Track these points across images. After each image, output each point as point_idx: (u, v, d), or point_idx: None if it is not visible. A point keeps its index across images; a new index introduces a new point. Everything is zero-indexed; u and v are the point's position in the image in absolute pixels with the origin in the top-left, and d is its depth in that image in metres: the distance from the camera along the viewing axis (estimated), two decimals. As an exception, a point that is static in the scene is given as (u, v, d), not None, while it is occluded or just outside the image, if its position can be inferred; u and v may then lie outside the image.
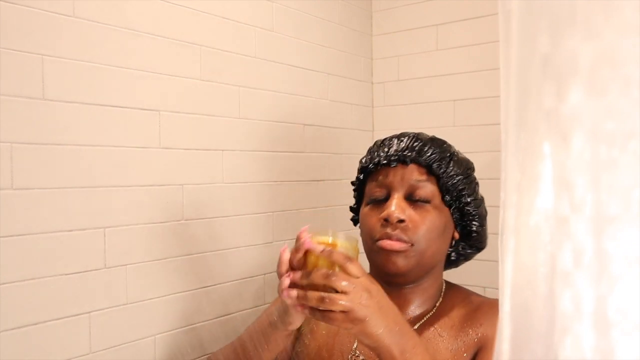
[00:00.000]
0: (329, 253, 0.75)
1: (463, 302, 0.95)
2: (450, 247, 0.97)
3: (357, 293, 0.72)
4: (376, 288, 0.76)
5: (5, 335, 0.90)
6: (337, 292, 0.72)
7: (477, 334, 0.89)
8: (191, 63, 1.19)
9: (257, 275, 1.35)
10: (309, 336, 0.99)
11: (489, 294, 1.47)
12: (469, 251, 0.99)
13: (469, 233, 0.96)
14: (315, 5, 1.53)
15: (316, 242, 0.77)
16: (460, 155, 0.97)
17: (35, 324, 0.93)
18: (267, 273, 1.38)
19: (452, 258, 1.00)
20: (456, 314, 0.93)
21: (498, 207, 0.47)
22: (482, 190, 1.01)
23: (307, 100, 1.51)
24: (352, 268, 0.74)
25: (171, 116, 1.15)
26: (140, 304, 1.09)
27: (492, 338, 0.85)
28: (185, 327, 1.18)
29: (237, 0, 1.29)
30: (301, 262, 0.77)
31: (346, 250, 0.77)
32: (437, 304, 0.95)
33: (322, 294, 0.72)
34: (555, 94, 0.42)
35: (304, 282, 0.74)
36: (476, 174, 1.01)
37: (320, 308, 0.72)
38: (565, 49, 0.42)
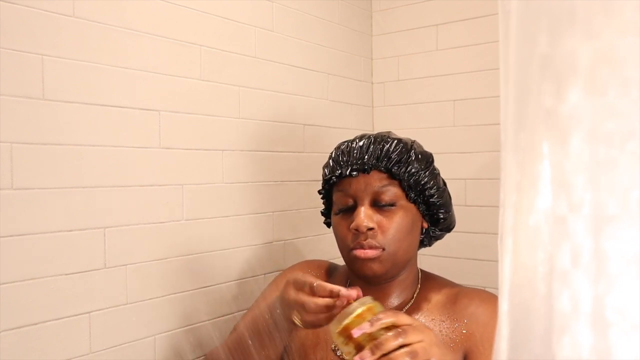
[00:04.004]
0: (390, 321, 0.71)
1: (440, 293, 0.98)
2: (422, 234, 1.01)
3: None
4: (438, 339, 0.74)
5: (5, 335, 0.90)
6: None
7: (462, 330, 0.91)
8: (191, 63, 1.19)
9: (257, 275, 1.35)
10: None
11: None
12: (439, 233, 1.03)
13: (437, 220, 1.00)
14: (315, 5, 1.53)
15: (358, 318, 0.72)
16: (418, 150, 0.98)
17: (35, 324, 0.94)
18: (267, 273, 1.38)
19: (425, 243, 1.04)
20: (434, 305, 0.96)
21: (498, 207, 0.47)
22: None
23: (307, 100, 1.51)
24: (417, 325, 0.72)
25: (171, 116, 1.15)
26: (140, 304, 1.09)
27: (481, 339, 0.89)
28: (185, 327, 1.18)
29: (237, 0, 1.29)
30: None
31: (379, 307, 0.75)
32: (415, 294, 0.99)
33: None
34: (554, 94, 0.42)
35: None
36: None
37: None
38: (564, 49, 0.42)
